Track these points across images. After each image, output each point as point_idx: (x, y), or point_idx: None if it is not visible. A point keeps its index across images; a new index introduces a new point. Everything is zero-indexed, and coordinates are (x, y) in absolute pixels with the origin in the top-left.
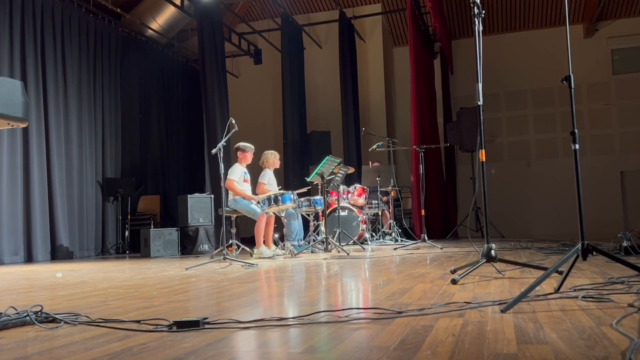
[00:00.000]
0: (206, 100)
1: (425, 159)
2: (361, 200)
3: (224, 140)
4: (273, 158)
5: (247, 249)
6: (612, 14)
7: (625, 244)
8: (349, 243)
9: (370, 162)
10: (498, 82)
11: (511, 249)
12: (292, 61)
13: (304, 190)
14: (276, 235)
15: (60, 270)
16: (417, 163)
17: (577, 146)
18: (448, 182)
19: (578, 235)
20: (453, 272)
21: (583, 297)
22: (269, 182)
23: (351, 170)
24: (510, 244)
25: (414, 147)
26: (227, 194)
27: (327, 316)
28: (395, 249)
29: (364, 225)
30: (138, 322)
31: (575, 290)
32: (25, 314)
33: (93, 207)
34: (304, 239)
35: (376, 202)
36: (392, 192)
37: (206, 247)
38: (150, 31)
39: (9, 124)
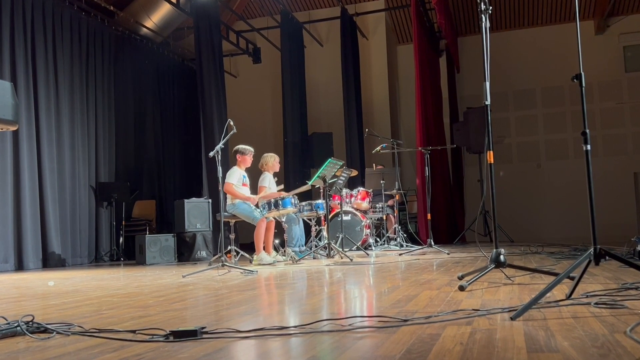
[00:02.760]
0: (203, 101)
1: (431, 161)
2: (365, 204)
3: (222, 142)
4: (273, 161)
5: (247, 255)
6: (624, 10)
7: (639, 248)
8: (352, 249)
9: (373, 165)
10: (506, 81)
11: (521, 254)
12: (292, 60)
13: (304, 189)
14: (277, 241)
15: (52, 279)
16: (422, 165)
17: (588, 147)
18: (455, 185)
19: (590, 240)
20: (460, 278)
21: (596, 303)
22: (269, 185)
23: (354, 173)
24: (520, 249)
25: (419, 148)
26: (225, 198)
27: (330, 325)
28: (400, 254)
29: (368, 230)
30: (133, 332)
31: (587, 297)
32: (15, 324)
33: (86, 212)
34: (305, 244)
35: (380, 206)
36: (396, 196)
37: (204, 253)
38: (144, 29)
39: None
